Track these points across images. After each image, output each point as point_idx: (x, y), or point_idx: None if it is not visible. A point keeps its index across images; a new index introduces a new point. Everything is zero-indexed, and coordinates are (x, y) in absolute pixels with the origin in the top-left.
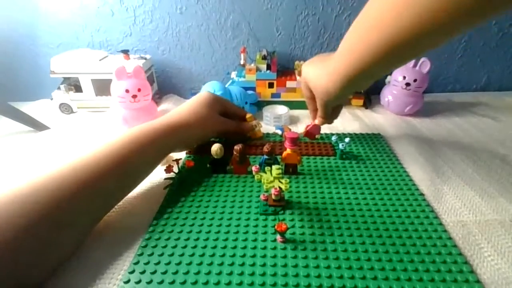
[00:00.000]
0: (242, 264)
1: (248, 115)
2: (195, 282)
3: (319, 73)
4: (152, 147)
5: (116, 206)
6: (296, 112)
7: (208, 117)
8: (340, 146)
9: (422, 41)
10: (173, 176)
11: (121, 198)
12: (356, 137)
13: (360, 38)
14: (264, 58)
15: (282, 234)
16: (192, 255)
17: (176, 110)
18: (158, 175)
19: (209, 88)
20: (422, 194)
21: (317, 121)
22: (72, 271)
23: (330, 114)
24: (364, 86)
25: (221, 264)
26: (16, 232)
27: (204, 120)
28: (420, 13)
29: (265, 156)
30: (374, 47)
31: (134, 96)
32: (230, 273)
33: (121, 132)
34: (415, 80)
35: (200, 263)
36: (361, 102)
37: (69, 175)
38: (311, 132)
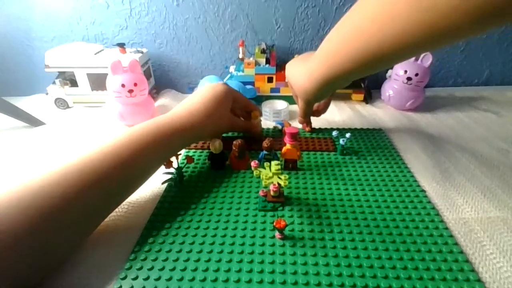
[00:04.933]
0: (240, 261)
1: (253, 113)
2: (193, 279)
3: (299, 72)
4: (156, 148)
5: None
6: (296, 107)
7: (218, 115)
8: (341, 141)
9: (403, 53)
10: (172, 172)
11: (124, 198)
12: (357, 132)
13: (341, 43)
14: (263, 51)
15: (281, 231)
16: (190, 251)
17: (184, 106)
18: (157, 171)
19: (207, 83)
20: (423, 191)
21: (298, 120)
22: (69, 268)
23: (311, 112)
24: (343, 86)
25: (219, 261)
26: (15, 234)
27: (214, 118)
28: (403, 27)
29: (264, 152)
30: (354, 54)
31: (131, 91)
32: (228, 270)
33: (125, 129)
34: (416, 75)
35: (198, 260)
36: (361, 97)
37: (71, 175)
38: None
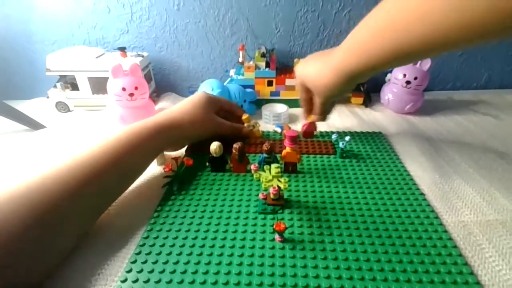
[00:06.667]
0: (240, 264)
1: (244, 116)
2: (193, 282)
3: (319, 69)
4: (142, 147)
5: (114, 205)
6: (296, 111)
7: (201, 117)
8: (341, 144)
9: (433, 50)
10: (172, 175)
11: (117, 196)
12: (356, 136)
13: (369, 38)
14: (263, 55)
15: (281, 233)
16: (190, 254)
17: (169, 109)
18: (156, 174)
19: (207, 86)
20: (422, 194)
21: (312, 118)
22: (69, 271)
23: (329, 110)
24: (365, 79)
25: (219, 263)
26: (11, 234)
27: (197, 121)
28: (435, 25)
29: (265, 155)
30: (382, 49)
31: (131, 95)
32: (228, 273)
33: (115, 131)
34: (415, 78)
35: (198, 263)
36: (361, 100)
37: (65, 174)
38: (309, 131)
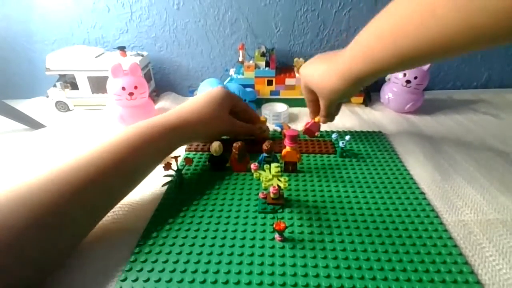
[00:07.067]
0: (240, 263)
1: (263, 118)
2: (192, 281)
3: (324, 71)
4: (149, 147)
5: None
6: (296, 110)
7: (213, 116)
8: (341, 144)
9: (438, 55)
10: (172, 174)
11: (121, 198)
12: (356, 135)
13: (374, 43)
14: (262, 55)
15: (281, 233)
16: (190, 253)
17: (179, 107)
18: (157, 173)
19: (207, 86)
20: (422, 193)
21: (318, 119)
22: (69, 270)
23: (334, 112)
24: (372, 82)
25: (219, 262)
26: (11, 234)
27: (206, 118)
28: (444, 29)
29: (264, 154)
30: (387, 54)
31: (131, 94)
32: (228, 272)
33: (120, 130)
34: (415, 78)
35: (198, 262)
36: (361, 99)
37: (67, 174)
38: (311, 130)
